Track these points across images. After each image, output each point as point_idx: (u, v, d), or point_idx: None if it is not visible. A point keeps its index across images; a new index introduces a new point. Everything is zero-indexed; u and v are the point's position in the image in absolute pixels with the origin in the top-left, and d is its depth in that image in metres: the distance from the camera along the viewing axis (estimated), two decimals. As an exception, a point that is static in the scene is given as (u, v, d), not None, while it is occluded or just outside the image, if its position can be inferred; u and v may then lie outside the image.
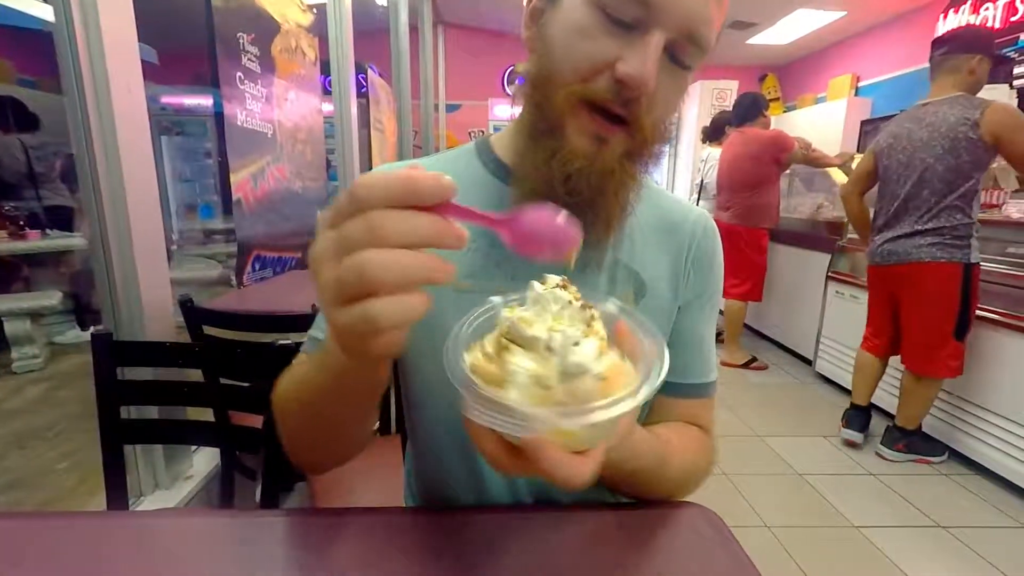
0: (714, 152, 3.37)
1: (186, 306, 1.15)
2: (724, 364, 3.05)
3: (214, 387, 0.89)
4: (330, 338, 0.35)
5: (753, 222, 2.95)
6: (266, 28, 1.88)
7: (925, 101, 1.87)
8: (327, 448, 0.47)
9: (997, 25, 3.33)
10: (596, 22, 0.42)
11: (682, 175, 5.07)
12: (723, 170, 3.04)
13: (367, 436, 0.49)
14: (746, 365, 3.06)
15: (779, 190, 3.02)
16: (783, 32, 4.80)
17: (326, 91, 2.47)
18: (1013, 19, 3.25)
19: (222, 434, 0.93)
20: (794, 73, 5.74)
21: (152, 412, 1.06)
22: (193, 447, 1.31)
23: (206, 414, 0.92)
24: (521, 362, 0.28)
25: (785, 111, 5.45)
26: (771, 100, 4.06)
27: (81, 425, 2.13)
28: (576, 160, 0.44)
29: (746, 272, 3.00)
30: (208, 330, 1.18)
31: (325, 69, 2.44)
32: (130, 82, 1.03)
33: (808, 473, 1.96)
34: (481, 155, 0.57)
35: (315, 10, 2.34)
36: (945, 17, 3.74)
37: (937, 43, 1.87)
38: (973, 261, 1.77)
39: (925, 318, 1.87)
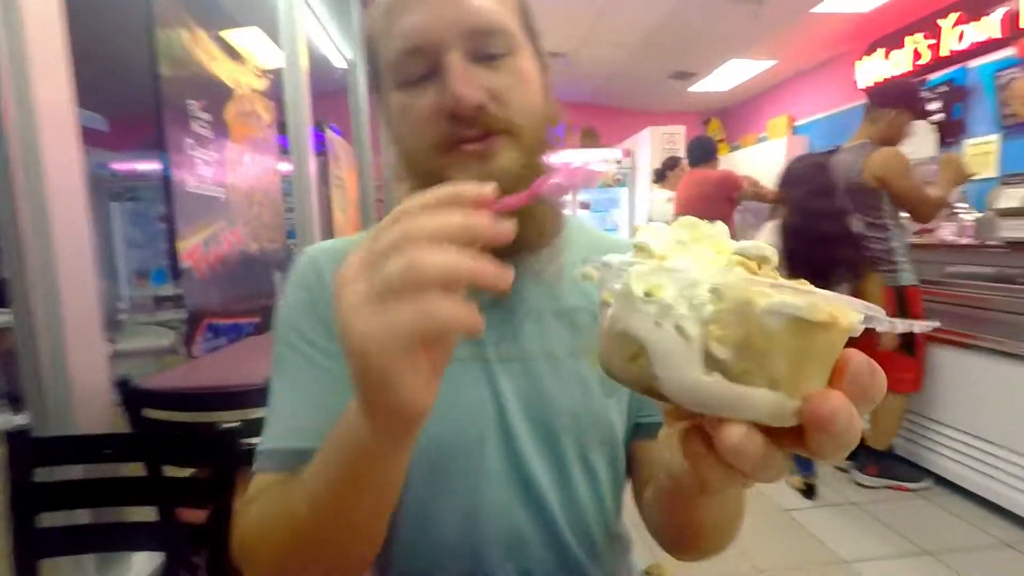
0: (659, 193, 3.65)
1: (124, 388, 1.05)
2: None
3: (155, 481, 0.80)
4: (351, 412, 0.30)
5: (712, 257, 3.05)
6: (218, 94, 1.87)
7: (839, 148, 2.04)
8: (343, 568, 0.38)
9: (909, 68, 3.67)
10: (407, 96, 0.45)
11: (640, 215, 5.25)
12: (679, 210, 3.16)
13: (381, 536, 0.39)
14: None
15: (734, 225, 3.15)
16: (721, 80, 5.15)
17: (285, 151, 2.46)
18: (920, 63, 3.58)
19: (167, 535, 0.83)
20: (735, 116, 6.12)
21: (83, 516, 0.95)
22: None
23: (150, 512, 0.83)
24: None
25: (730, 151, 5.77)
26: (718, 141, 4.30)
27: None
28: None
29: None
30: (151, 412, 1.08)
31: (284, 129, 2.44)
32: (66, 150, 0.98)
33: (794, 509, 1.93)
34: None
35: (271, 75, 2.35)
36: (861, 62, 4.10)
37: (866, 94, 2.08)
38: (904, 284, 1.89)
39: (873, 339, 1.92)
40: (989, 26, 3.14)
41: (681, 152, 3.97)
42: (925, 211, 1.89)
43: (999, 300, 1.81)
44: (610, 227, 5.42)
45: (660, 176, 3.72)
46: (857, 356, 0.21)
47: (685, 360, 0.21)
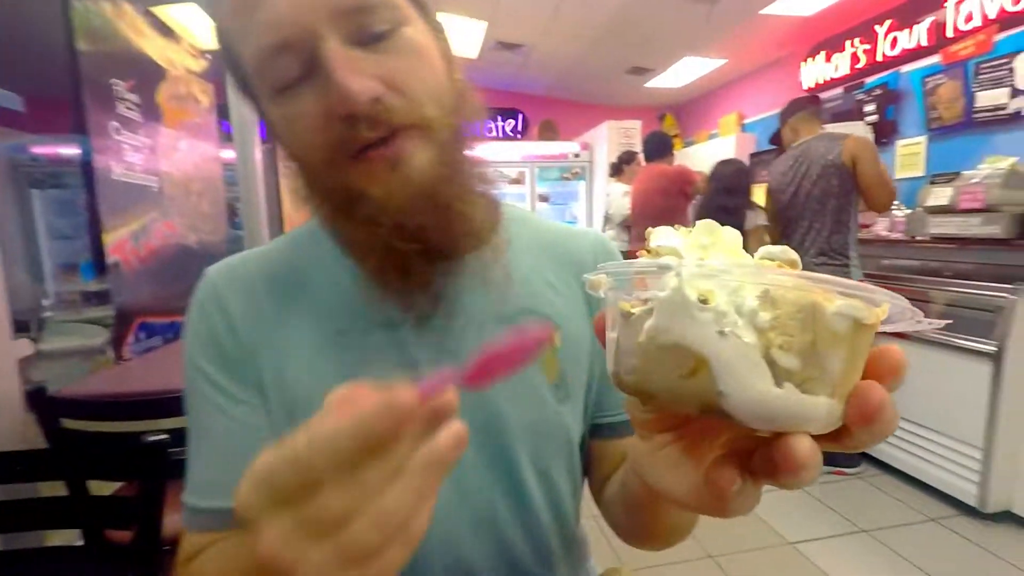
0: (614, 187, 3.66)
1: (38, 396, 0.95)
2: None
3: (78, 501, 0.72)
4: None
5: (667, 251, 3.12)
6: (149, 74, 1.72)
7: (799, 142, 2.10)
8: None
9: (847, 71, 3.87)
10: (286, 103, 0.38)
11: (598, 208, 5.32)
12: (636, 204, 3.21)
13: None
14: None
15: (688, 220, 3.23)
16: (676, 77, 5.27)
17: (228, 137, 2.31)
18: (858, 67, 3.78)
19: (95, 559, 0.75)
20: (689, 112, 6.28)
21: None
22: None
23: (73, 535, 0.75)
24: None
25: (684, 147, 5.92)
26: (673, 136, 4.40)
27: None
28: (391, 200, 0.38)
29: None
30: (71, 423, 0.98)
31: (226, 114, 2.29)
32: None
33: (742, 493, 2.01)
34: (306, 242, 0.49)
35: (209, 55, 2.20)
36: (805, 63, 4.28)
37: (788, 111, 2.22)
38: (854, 279, 1.96)
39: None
40: (918, 34, 3.34)
41: (637, 146, 4.03)
42: (887, 197, 1.96)
43: (928, 292, 1.94)
44: (570, 220, 5.45)
45: (616, 170, 3.75)
46: (895, 349, 0.21)
47: (756, 373, 0.19)
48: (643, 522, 0.43)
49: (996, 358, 1.67)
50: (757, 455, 0.21)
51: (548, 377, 0.47)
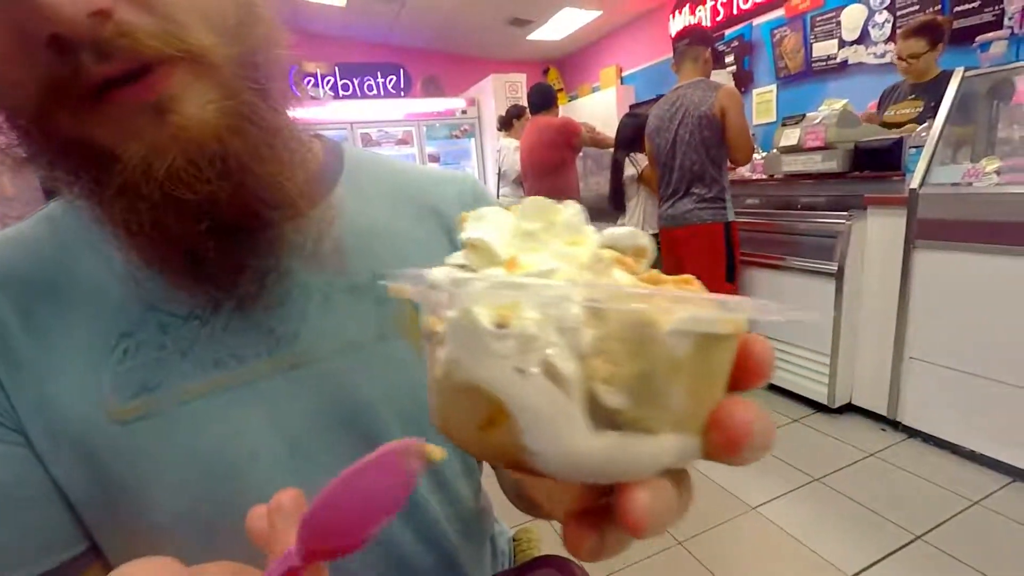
0: (506, 142, 3.61)
1: None
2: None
3: None
4: None
5: (560, 204, 3.17)
6: None
7: (677, 86, 2.18)
8: None
9: (708, 23, 4.12)
10: None
11: (491, 166, 5.26)
12: (524, 158, 3.19)
13: None
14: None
15: (576, 172, 3.29)
16: (556, 29, 5.26)
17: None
18: (718, 19, 4.04)
19: None
20: (572, 65, 6.35)
21: None
22: None
23: None
24: None
25: (569, 100, 6.01)
26: (557, 90, 4.42)
27: None
28: (156, 162, 0.27)
29: (562, 252, 3.22)
30: None
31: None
32: None
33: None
34: (64, 219, 0.36)
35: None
36: (673, 16, 4.48)
37: (680, 36, 2.22)
38: (730, 220, 2.14)
39: (701, 270, 2.20)
40: (767, -13, 3.63)
41: (524, 101, 3.99)
42: (748, 151, 2.09)
43: (786, 225, 2.19)
44: (462, 181, 5.34)
45: (506, 124, 3.69)
46: (760, 345, 0.17)
47: (567, 423, 0.14)
48: (538, 513, 0.40)
49: (838, 276, 1.94)
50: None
51: (414, 348, 0.40)
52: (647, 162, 2.61)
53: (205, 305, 0.34)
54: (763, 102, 3.89)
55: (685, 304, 0.14)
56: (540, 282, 0.15)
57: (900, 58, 2.35)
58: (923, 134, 1.90)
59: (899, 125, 2.22)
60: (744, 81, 3.93)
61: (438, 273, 0.16)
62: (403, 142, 5.24)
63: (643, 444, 0.15)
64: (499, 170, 3.68)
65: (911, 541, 1.41)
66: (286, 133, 0.32)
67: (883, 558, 1.37)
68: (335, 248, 0.37)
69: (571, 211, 0.18)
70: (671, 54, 2.32)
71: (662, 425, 0.15)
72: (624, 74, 5.44)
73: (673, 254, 2.33)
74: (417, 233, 0.43)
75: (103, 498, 0.32)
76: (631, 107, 5.11)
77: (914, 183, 1.76)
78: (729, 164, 2.15)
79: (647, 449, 0.15)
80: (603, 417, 0.14)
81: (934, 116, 1.84)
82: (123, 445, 0.31)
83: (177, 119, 0.27)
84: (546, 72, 6.44)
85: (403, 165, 0.47)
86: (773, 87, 3.81)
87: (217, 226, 0.30)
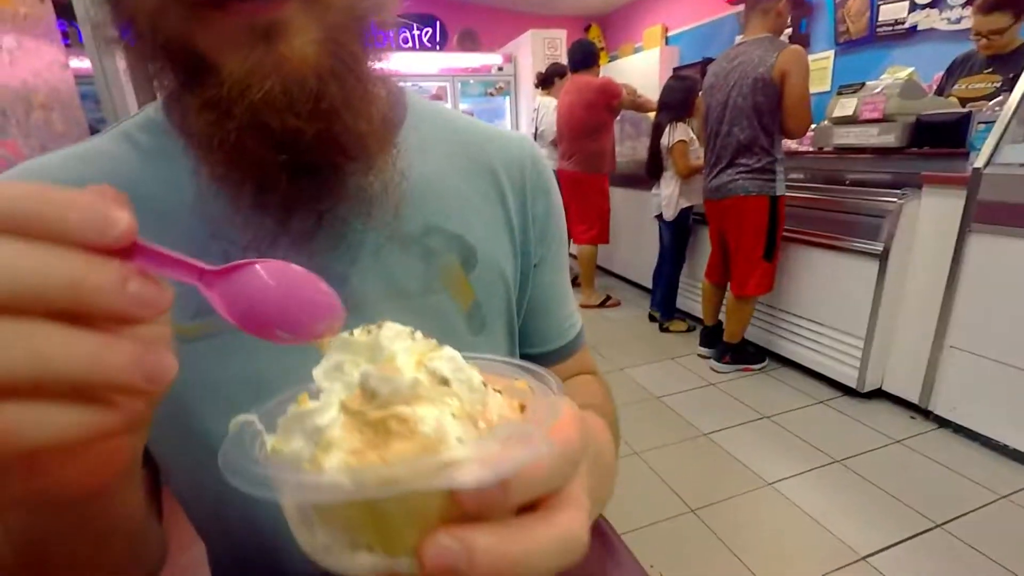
0: (545, 100, 3.47)
1: None
2: (582, 306, 3.23)
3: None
4: None
5: (595, 168, 3.08)
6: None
7: (740, 41, 2.03)
8: None
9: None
10: None
11: (524, 125, 5.13)
12: (561, 118, 3.10)
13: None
14: (602, 304, 3.29)
15: (614, 136, 3.18)
16: (600, -18, 4.99)
17: (79, 42, 1.88)
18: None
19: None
20: (614, 23, 6.05)
21: None
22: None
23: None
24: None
25: (610, 60, 5.76)
26: (599, 49, 4.23)
27: None
28: (255, 84, 0.28)
29: (594, 217, 3.15)
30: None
31: (67, 13, 1.85)
32: None
33: (664, 395, 2.18)
34: (140, 136, 0.38)
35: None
36: (729, -29, 4.19)
37: None
38: (778, 194, 2.03)
39: (741, 245, 2.13)
40: (835, -60, 3.33)
41: (563, 59, 3.83)
42: (805, 121, 1.94)
43: (832, 201, 2.08)
44: (495, 141, 5.24)
45: (547, 82, 3.53)
46: (473, 500, 0.16)
47: (299, 530, 0.19)
48: None
49: (882, 257, 1.86)
50: None
51: (461, 304, 0.41)
52: (684, 136, 2.51)
53: (263, 237, 0.35)
54: (818, 69, 3.64)
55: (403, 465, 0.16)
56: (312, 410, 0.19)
57: (979, 34, 2.15)
58: (996, 109, 1.75)
59: (971, 101, 2.06)
60: (801, 44, 3.67)
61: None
62: (436, 98, 5.15)
63: (349, 559, 0.18)
64: (536, 130, 3.58)
65: (930, 528, 1.40)
66: (377, 87, 0.33)
67: (899, 542, 1.36)
68: (392, 198, 0.37)
69: (409, 348, 0.22)
70: (720, 14, 2.16)
71: (358, 547, 0.18)
72: (670, 34, 5.16)
73: (717, 227, 2.26)
74: (468, 190, 0.43)
75: (162, 410, 0.34)
76: (674, 70, 4.87)
77: (979, 162, 1.64)
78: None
79: (350, 563, 0.18)
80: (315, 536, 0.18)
81: (1010, 91, 1.70)
82: (184, 362, 0.33)
83: (283, 48, 0.28)
84: (587, 29, 6.16)
85: (464, 120, 0.47)
86: (830, 53, 3.56)
87: (294, 162, 0.31)
